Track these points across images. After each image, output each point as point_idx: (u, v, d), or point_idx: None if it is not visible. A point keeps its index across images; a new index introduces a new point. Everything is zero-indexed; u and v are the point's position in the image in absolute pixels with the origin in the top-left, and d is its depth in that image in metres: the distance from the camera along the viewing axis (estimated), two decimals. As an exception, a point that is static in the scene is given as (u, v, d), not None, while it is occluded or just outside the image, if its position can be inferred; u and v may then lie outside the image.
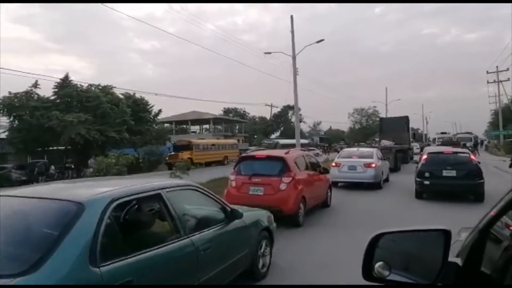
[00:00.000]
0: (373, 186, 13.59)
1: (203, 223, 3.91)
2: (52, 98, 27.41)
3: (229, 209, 4.29)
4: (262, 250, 4.93)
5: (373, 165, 13.42)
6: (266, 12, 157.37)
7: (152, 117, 34.92)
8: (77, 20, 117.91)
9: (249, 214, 4.88)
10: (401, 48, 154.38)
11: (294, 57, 25.04)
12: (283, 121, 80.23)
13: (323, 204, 9.84)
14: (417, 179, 11.19)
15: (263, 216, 5.27)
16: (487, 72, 46.37)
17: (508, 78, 45.53)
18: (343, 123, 79.24)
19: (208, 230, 3.81)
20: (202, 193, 4.12)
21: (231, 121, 67.03)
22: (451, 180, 10.53)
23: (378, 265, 1.23)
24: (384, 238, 1.27)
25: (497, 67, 45.67)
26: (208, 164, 34.64)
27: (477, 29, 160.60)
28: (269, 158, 8.42)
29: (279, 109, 77.65)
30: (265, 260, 5.00)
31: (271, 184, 7.75)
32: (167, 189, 3.49)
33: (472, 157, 11.32)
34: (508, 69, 44.64)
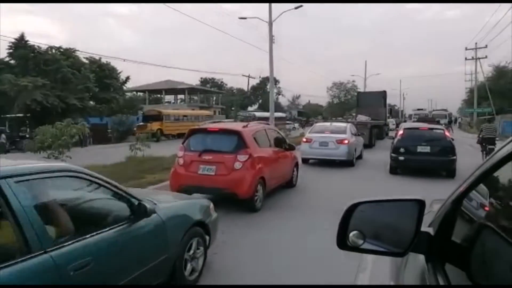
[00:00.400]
0: (345, 163, 12.68)
1: (84, 226, 2.71)
2: (7, 59, 25.03)
3: (136, 203, 3.11)
4: (191, 252, 3.83)
5: (346, 141, 12.42)
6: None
7: (120, 84, 32.75)
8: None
9: (173, 206, 3.85)
10: (383, 23, 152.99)
11: (270, 23, 23.39)
12: (261, 94, 78.64)
13: (288, 184, 8.79)
14: (392, 154, 11.12)
15: (195, 207, 4.16)
16: (466, 49, 45.91)
17: (486, 56, 45.38)
18: (323, 97, 78.50)
19: (89, 237, 2.61)
20: (90, 181, 2.87)
21: (207, 91, 64.91)
22: (425, 156, 10.57)
23: (352, 234, 1.24)
24: (359, 208, 1.27)
25: (476, 43, 45.28)
26: (181, 136, 33.20)
27: (459, 5, 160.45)
28: (224, 131, 7.14)
29: (257, 81, 75.92)
30: (195, 264, 3.91)
31: (223, 162, 6.55)
32: (18, 178, 2.29)
33: (446, 133, 11.31)
34: (486, 46, 44.40)
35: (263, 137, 7.54)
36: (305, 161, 13.23)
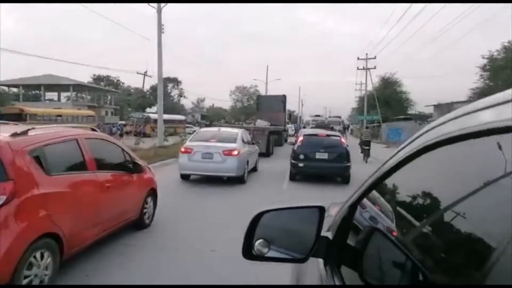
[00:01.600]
0: (235, 180, 9.86)
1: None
2: None
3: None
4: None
5: (235, 152, 9.58)
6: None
7: None
8: None
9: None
10: (285, 33, 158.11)
11: (159, 10, 19.79)
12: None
13: (135, 223, 5.50)
14: (292, 161, 10.92)
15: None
16: (358, 58, 47.83)
17: (375, 66, 47.86)
18: (227, 101, 76.16)
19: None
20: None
21: (97, 89, 57.50)
22: (323, 162, 10.63)
23: (258, 243, 1.25)
24: (265, 217, 1.28)
25: (366, 54, 47.43)
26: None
27: (352, 21, 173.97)
28: None
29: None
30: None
31: None
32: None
33: (342, 140, 11.47)
34: (375, 57, 46.78)
35: (67, 154, 4.11)
36: (185, 177, 10.09)
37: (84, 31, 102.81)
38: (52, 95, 56.46)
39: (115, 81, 71.17)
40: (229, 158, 9.47)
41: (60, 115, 28.41)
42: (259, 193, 9.07)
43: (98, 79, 69.13)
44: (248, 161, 10.48)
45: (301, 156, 10.66)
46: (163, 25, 20.03)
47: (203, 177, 10.17)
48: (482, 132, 0.75)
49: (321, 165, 10.60)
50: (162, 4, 19.85)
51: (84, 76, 65.92)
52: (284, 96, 27.58)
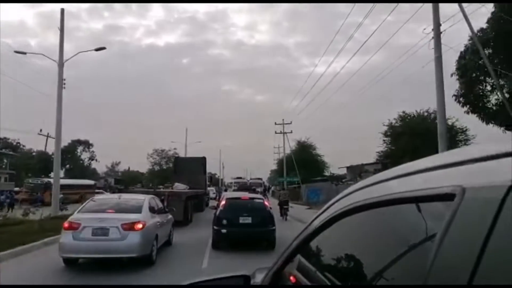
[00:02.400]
0: (138, 261, 7.61)
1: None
2: None
3: None
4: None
5: (139, 225, 7.45)
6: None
7: None
8: None
9: None
10: (203, 98, 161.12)
11: (61, 64, 17.51)
12: (70, 158, 66.59)
13: None
14: (215, 227, 10.27)
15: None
16: (275, 124, 49.18)
17: (291, 131, 49.52)
18: (144, 164, 71.64)
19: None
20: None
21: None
22: (247, 227, 10.13)
23: None
24: None
25: (283, 119, 49.08)
26: None
27: (265, 92, 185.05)
28: None
29: (66, 144, 64.17)
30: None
31: None
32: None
33: (266, 203, 11.12)
34: (291, 122, 48.59)
35: None
36: (70, 262, 7.55)
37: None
38: None
39: (14, 143, 63.33)
40: (130, 234, 7.30)
41: None
42: (172, 277, 6.98)
43: (-7, 141, 60.82)
44: (157, 235, 8.35)
45: (224, 221, 10.07)
46: (64, 79, 17.71)
47: (96, 260, 7.72)
48: (390, 201, 0.82)
49: (245, 230, 10.06)
50: (65, 59, 17.69)
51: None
52: (204, 158, 26.05)
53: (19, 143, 63.68)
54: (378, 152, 46.55)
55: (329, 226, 1.07)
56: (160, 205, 10.02)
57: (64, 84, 17.78)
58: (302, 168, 48.28)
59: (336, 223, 1.04)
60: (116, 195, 8.83)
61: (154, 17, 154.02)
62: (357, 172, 42.12)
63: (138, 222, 7.50)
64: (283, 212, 19.25)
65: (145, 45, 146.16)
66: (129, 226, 7.35)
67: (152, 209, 8.67)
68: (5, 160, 55.09)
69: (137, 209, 8.02)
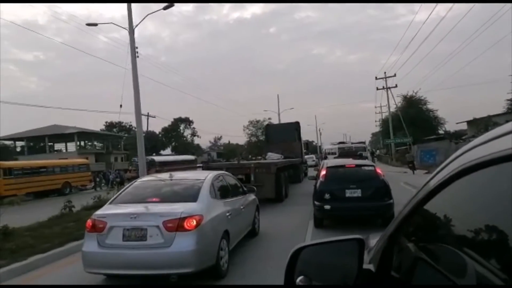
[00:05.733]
0: (201, 274, 4.79)
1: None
2: None
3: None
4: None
5: (193, 221, 4.57)
6: (164, 26, 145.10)
7: None
8: None
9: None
10: (294, 66, 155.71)
11: (132, 31, 15.72)
12: (174, 136, 69.81)
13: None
14: (316, 203, 8.32)
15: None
16: (376, 78, 42.90)
17: (396, 85, 42.73)
18: (243, 137, 71.73)
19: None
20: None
21: (102, 135, 54.45)
22: (357, 201, 8.08)
23: (299, 279, 1.20)
24: (303, 252, 1.24)
25: (385, 73, 42.51)
26: (42, 195, 23.05)
27: (357, 51, 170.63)
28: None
29: (169, 123, 67.29)
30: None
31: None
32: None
33: (378, 171, 8.70)
34: (395, 74, 41.78)
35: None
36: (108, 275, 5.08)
37: (92, 82, 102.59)
38: (62, 145, 53.77)
39: (128, 126, 68.60)
40: (179, 236, 4.47)
41: (44, 167, 24.23)
42: None
43: (110, 125, 66.74)
44: (227, 232, 5.40)
45: (327, 196, 8.23)
46: (137, 47, 15.91)
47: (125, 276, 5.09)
48: None
49: (354, 206, 8.10)
50: (134, 24, 15.81)
51: (98, 125, 63.21)
52: (297, 123, 22.74)
53: (131, 125, 68.78)
54: (510, 100, 37.46)
55: (447, 186, 0.96)
56: (235, 183, 7.06)
57: (137, 52, 16.02)
58: (412, 126, 41.56)
59: (455, 182, 0.93)
60: (166, 175, 6.05)
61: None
62: (482, 126, 34.10)
63: (190, 217, 4.59)
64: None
65: (233, 20, 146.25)
66: (176, 224, 4.50)
67: (218, 193, 5.72)
68: (122, 142, 59.75)
69: (192, 196, 5.11)
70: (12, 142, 47.62)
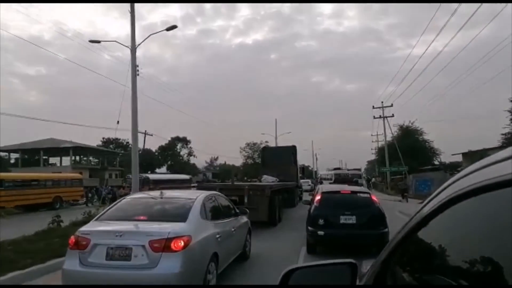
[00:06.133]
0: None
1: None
2: None
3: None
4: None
5: (180, 242, 4.37)
6: (167, 48, 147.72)
7: None
8: None
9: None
10: (293, 91, 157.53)
11: (133, 50, 15.84)
12: (170, 154, 69.56)
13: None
14: (309, 228, 8.21)
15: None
16: (373, 107, 43.31)
17: (393, 114, 43.11)
18: (239, 159, 71.55)
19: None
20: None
21: (98, 151, 54.12)
22: (351, 229, 7.91)
23: None
24: (295, 274, 1.22)
25: (382, 102, 42.98)
26: (33, 208, 22.57)
27: (355, 80, 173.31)
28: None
29: (166, 142, 67.19)
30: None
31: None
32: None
33: (374, 198, 8.53)
34: (392, 104, 42.26)
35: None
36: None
37: (92, 98, 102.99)
38: (57, 159, 53.35)
39: (124, 143, 68.39)
40: (164, 258, 4.27)
41: (36, 180, 23.85)
42: None
43: (107, 142, 66.47)
44: (216, 254, 5.19)
45: (321, 221, 8.07)
46: (138, 66, 16.02)
47: None
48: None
49: (348, 233, 7.90)
50: (137, 43, 15.97)
51: (96, 141, 62.89)
52: (294, 147, 22.68)
53: (128, 142, 68.53)
54: (504, 134, 37.76)
55: (440, 213, 0.97)
56: (227, 204, 6.88)
57: (138, 71, 16.11)
58: (407, 156, 41.67)
59: (448, 210, 0.94)
60: (156, 193, 5.87)
61: (242, 16, 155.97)
62: (477, 158, 34.15)
63: (178, 237, 4.40)
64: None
65: (235, 45, 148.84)
66: (162, 245, 4.31)
67: (209, 214, 5.54)
68: (117, 159, 59.36)
69: (181, 215, 4.93)
70: (6, 154, 47.06)
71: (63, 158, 50.43)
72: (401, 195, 28.05)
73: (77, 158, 53.08)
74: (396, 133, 45.81)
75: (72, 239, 4.59)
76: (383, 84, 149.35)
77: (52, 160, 51.55)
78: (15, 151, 45.82)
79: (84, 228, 4.75)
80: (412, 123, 46.17)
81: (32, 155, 48.38)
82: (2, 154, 47.03)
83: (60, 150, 44.79)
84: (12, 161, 48.42)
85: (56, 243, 8.24)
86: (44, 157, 47.20)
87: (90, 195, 29.97)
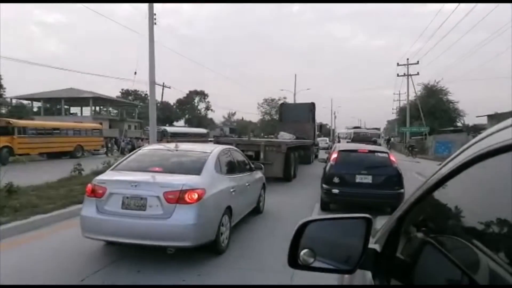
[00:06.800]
0: (199, 249, 4.68)
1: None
2: None
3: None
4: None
5: (194, 194, 4.39)
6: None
7: None
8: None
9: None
10: (314, 47, 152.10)
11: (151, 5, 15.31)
12: (188, 108, 69.81)
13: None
14: (324, 185, 8.16)
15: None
16: (398, 64, 41.53)
17: (418, 72, 41.38)
18: (257, 114, 71.27)
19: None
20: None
21: (118, 102, 54.69)
22: (366, 188, 7.83)
23: (303, 252, 1.20)
24: (309, 226, 1.23)
25: (407, 59, 41.10)
26: (55, 156, 23.44)
27: (381, 36, 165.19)
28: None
29: (184, 95, 67.19)
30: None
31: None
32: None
33: (392, 158, 8.37)
34: (418, 62, 40.38)
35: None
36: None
37: (111, 48, 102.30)
38: (77, 109, 54.39)
39: (143, 95, 68.80)
40: (179, 209, 4.31)
41: (58, 128, 24.47)
42: (255, 275, 4.10)
43: (126, 93, 66.96)
44: (230, 208, 5.24)
45: (336, 179, 8.01)
46: (155, 14, 15.52)
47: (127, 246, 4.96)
48: None
49: (363, 192, 7.82)
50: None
51: (114, 91, 63.48)
52: (313, 104, 22.25)
53: (146, 94, 68.81)
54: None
55: (462, 171, 0.94)
56: (242, 159, 6.85)
57: (155, 19, 15.64)
58: (430, 116, 40.53)
59: (467, 170, 0.92)
60: (172, 145, 5.86)
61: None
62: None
63: (192, 190, 4.41)
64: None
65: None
66: (176, 196, 4.33)
67: (223, 168, 5.52)
68: (136, 110, 60.07)
69: (196, 168, 4.92)
70: (29, 102, 48.14)
71: (84, 108, 51.36)
72: (408, 151, 29.75)
73: (97, 108, 53.96)
74: (419, 93, 44.27)
75: (89, 187, 4.66)
76: (410, 40, 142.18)
77: (72, 110, 52.59)
78: (37, 99, 46.75)
79: (100, 177, 4.80)
80: (437, 83, 44.37)
81: (54, 104, 49.36)
82: (25, 102, 48.16)
83: (80, 100, 45.43)
84: (35, 109, 49.64)
85: (77, 190, 8.52)
86: (65, 107, 48.13)
87: (109, 145, 30.72)
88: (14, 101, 46.04)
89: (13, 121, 21.93)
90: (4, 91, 42.38)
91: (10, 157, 17.73)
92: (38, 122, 26.15)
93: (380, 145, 22.10)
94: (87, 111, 49.80)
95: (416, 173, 16.96)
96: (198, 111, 71.37)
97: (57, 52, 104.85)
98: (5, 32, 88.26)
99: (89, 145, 26.89)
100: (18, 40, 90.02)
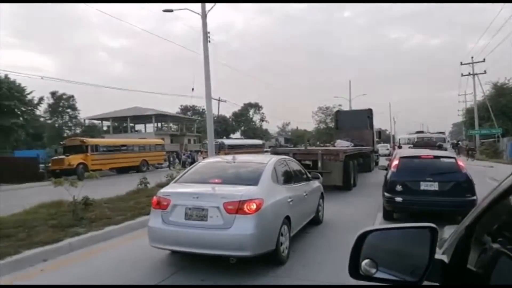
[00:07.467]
0: (260, 260, 4.71)
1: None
2: None
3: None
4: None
5: (253, 205, 4.46)
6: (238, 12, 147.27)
7: (27, 108, 24.71)
8: (37, 14, 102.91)
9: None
10: (368, 52, 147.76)
11: (204, 16, 16.05)
12: (244, 120, 71.20)
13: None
14: (386, 194, 7.75)
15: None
16: (461, 64, 38.69)
17: (485, 71, 38.20)
18: (311, 123, 70.63)
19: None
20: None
21: (177, 118, 57.37)
22: (433, 196, 7.34)
23: (364, 262, 1.16)
24: (370, 236, 1.20)
25: (472, 57, 38.17)
26: (123, 171, 25.26)
27: (439, 35, 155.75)
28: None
29: (239, 108, 68.75)
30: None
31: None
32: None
33: (460, 163, 7.81)
34: (484, 60, 37.27)
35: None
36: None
37: (169, 67, 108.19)
38: (141, 126, 58.04)
39: (201, 110, 71.64)
40: (238, 219, 4.41)
41: (124, 145, 26.34)
42: None
43: (185, 109, 70.20)
44: (288, 218, 5.22)
45: (398, 187, 7.60)
46: (209, 32, 16.20)
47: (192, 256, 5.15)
48: None
49: (430, 200, 7.33)
50: (207, 8, 16.08)
51: (174, 108, 66.91)
52: (370, 110, 21.54)
53: (204, 109, 71.41)
54: None
55: None
56: (298, 168, 6.81)
57: (209, 37, 16.32)
58: (501, 117, 37.09)
59: None
60: (229, 157, 6.01)
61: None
62: None
63: (250, 200, 4.48)
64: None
65: (305, 4, 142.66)
66: (236, 207, 4.43)
67: (280, 178, 5.54)
68: (195, 125, 62.68)
69: (253, 179, 5.00)
70: (100, 122, 52.39)
71: (147, 125, 54.76)
72: (466, 153, 29.19)
73: (159, 125, 57.18)
74: (488, 92, 40.77)
75: (155, 199, 4.94)
76: (473, 37, 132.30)
77: (137, 127, 56.24)
78: (106, 119, 50.76)
79: (164, 190, 5.08)
80: (508, 80, 40.54)
81: (121, 122, 53.23)
82: (96, 122, 52.54)
83: (144, 117, 48.49)
84: (105, 128, 53.96)
85: (144, 202, 9.06)
86: (130, 124, 51.68)
87: (171, 159, 32.29)
88: (87, 121, 50.47)
89: (87, 139, 24.06)
90: (79, 113, 46.63)
91: (85, 173, 19.44)
92: (107, 140, 28.40)
93: (446, 150, 20.65)
94: (150, 127, 53.03)
95: (489, 179, 15.57)
96: (253, 123, 72.48)
97: (122, 74, 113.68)
98: (78, 58, 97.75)
99: (153, 159, 28.52)
100: (88, 66, 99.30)
